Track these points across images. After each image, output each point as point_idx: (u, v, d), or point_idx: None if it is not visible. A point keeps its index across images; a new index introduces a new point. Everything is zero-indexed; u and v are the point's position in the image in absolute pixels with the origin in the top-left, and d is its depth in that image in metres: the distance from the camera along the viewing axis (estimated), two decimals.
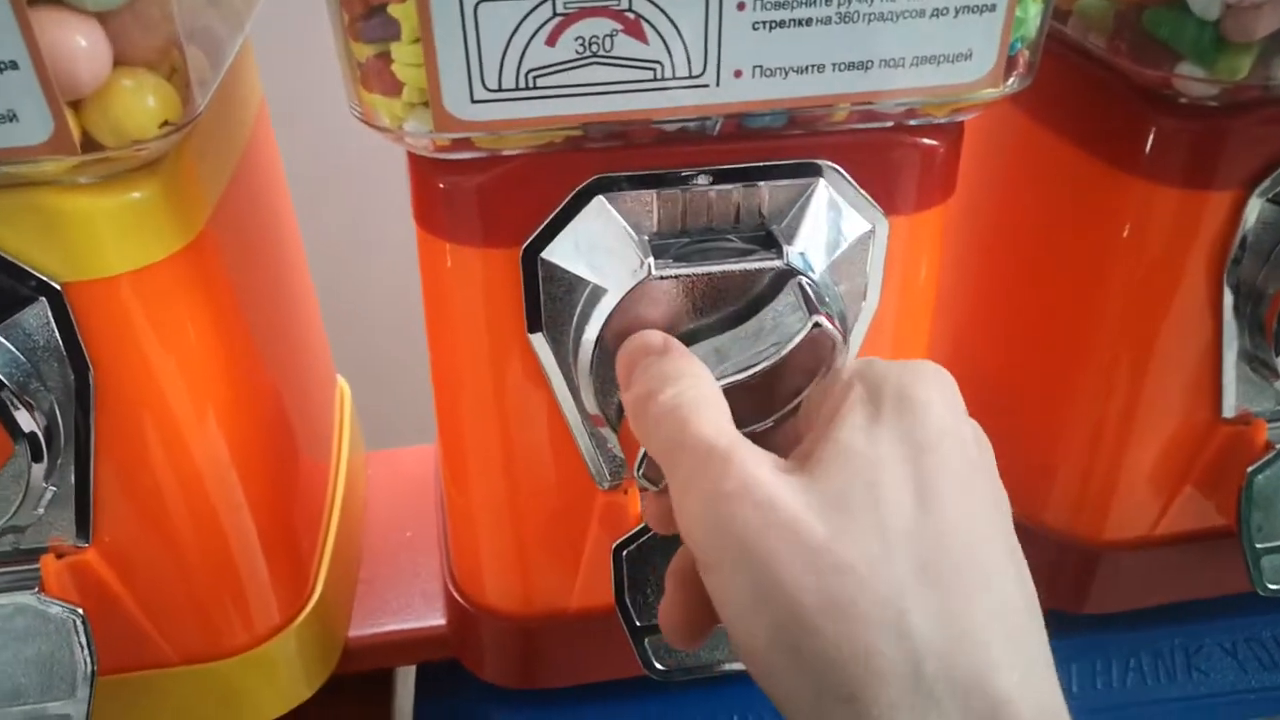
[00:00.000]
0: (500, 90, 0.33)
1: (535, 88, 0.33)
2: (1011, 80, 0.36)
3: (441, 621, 0.50)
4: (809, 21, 0.32)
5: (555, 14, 0.32)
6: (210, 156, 0.40)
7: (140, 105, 0.32)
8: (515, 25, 0.31)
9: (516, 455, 0.42)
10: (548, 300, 0.38)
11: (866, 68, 0.34)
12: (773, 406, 0.36)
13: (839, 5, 0.32)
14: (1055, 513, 0.53)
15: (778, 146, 0.37)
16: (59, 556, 0.39)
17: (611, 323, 0.37)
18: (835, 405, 0.29)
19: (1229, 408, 0.48)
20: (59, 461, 0.36)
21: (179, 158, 0.36)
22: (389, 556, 0.55)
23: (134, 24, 0.31)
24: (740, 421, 0.30)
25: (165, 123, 0.33)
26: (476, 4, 0.31)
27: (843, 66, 0.34)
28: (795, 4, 0.32)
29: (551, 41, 0.32)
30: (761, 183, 0.37)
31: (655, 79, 0.33)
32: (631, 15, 0.32)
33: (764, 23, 0.32)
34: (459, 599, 0.47)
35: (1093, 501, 0.52)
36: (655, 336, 0.34)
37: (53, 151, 0.31)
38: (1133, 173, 0.43)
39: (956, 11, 0.33)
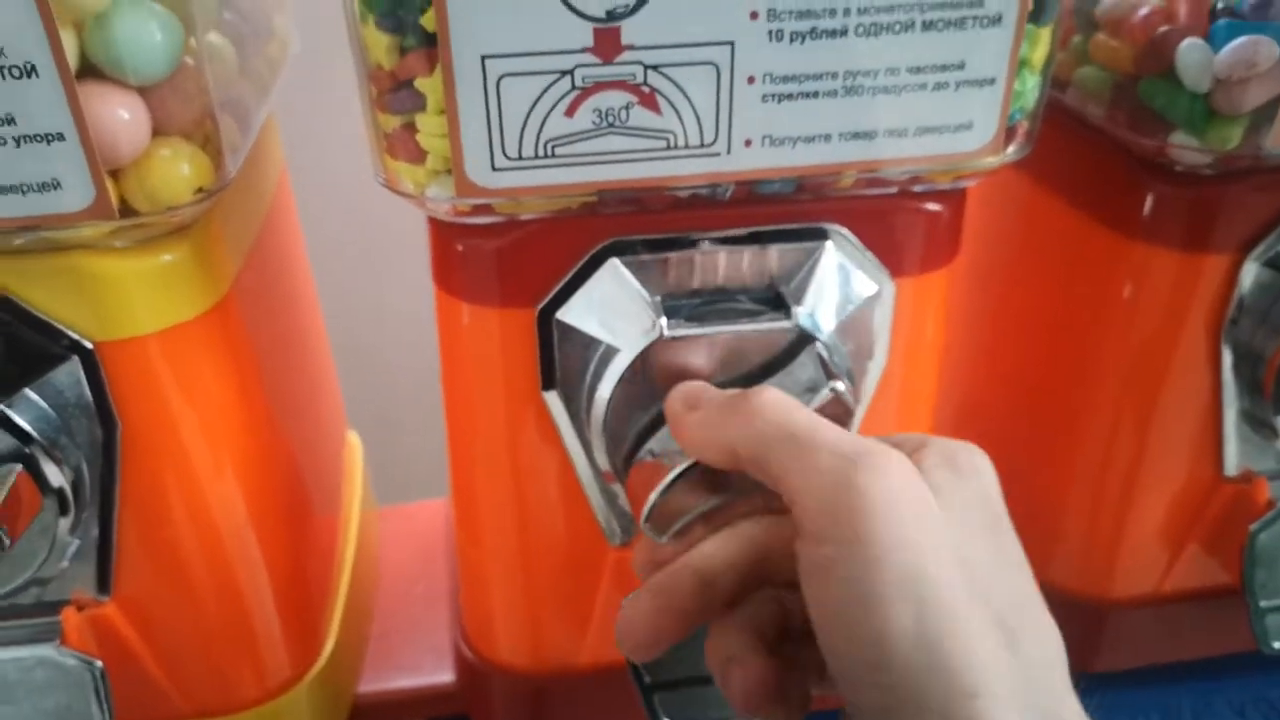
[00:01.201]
0: (520, 159, 0.34)
1: (554, 156, 0.34)
2: (1011, 149, 0.38)
3: (452, 678, 0.50)
4: (815, 94, 0.34)
5: (574, 87, 0.33)
6: (236, 221, 0.41)
7: (176, 173, 0.33)
8: (536, 98, 0.33)
9: (529, 511, 0.43)
10: (562, 359, 0.39)
11: (871, 137, 0.35)
12: None
13: (844, 79, 0.34)
14: (1062, 572, 0.53)
15: (787, 211, 0.38)
16: (79, 609, 0.39)
17: (624, 382, 0.38)
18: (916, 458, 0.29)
19: (1231, 466, 0.48)
20: (84, 516, 0.37)
21: (208, 222, 0.37)
22: (401, 612, 0.56)
23: (172, 96, 0.32)
24: (742, 488, 0.31)
25: (199, 189, 0.34)
26: (500, 78, 0.32)
27: (848, 136, 0.35)
28: (803, 78, 0.33)
29: (570, 113, 0.34)
30: (771, 245, 0.39)
31: (668, 148, 0.35)
32: (647, 89, 0.34)
33: (773, 95, 0.34)
34: (470, 655, 0.48)
35: (1099, 560, 0.52)
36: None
37: (93, 218, 0.32)
38: (1131, 237, 0.45)
39: (957, 85, 0.35)
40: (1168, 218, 0.44)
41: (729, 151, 0.35)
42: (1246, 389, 0.46)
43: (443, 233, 0.38)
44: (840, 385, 0.35)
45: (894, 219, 0.39)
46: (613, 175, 0.35)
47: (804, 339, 0.37)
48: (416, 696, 0.50)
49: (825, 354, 0.36)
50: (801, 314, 0.37)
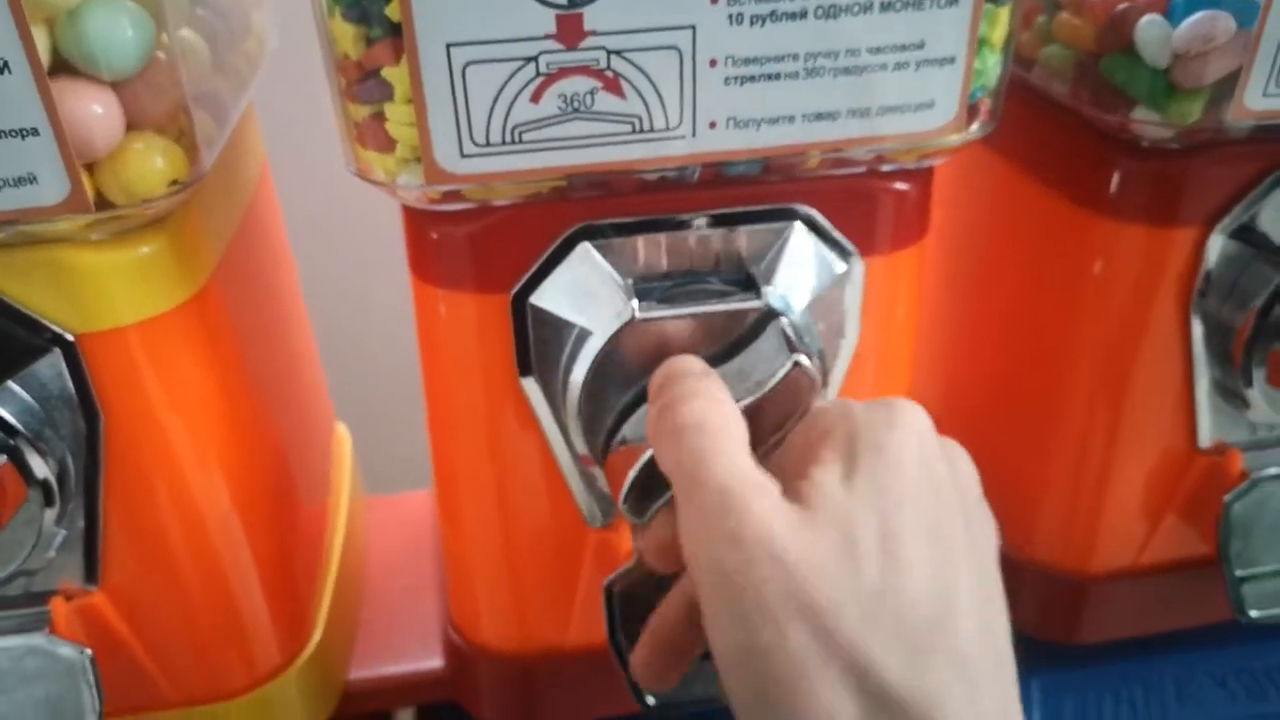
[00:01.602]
0: (488, 145, 0.34)
1: (521, 142, 0.35)
2: (974, 127, 0.38)
3: (441, 663, 0.51)
4: (778, 76, 0.34)
5: (539, 74, 0.34)
6: (215, 213, 0.41)
7: (150, 166, 0.34)
8: (501, 84, 0.33)
9: (510, 496, 0.43)
10: (537, 343, 0.40)
11: (834, 117, 0.36)
12: (754, 444, 0.37)
13: (806, 61, 0.34)
14: (1042, 545, 0.54)
15: (755, 192, 0.39)
16: (68, 599, 0.40)
17: (598, 365, 0.39)
18: (815, 451, 0.30)
19: (1204, 438, 0.49)
20: (69, 506, 0.38)
21: (185, 214, 0.38)
22: (389, 600, 0.56)
23: (145, 91, 0.33)
24: None
25: (174, 182, 0.34)
26: (465, 65, 0.33)
27: (811, 117, 0.36)
28: (765, 60, 0.34)
29: (535, 99, 0.34)
30: (740, 227, 0.39)
31: (634, 132, 0.35)
32: (610, 74, 0.34)
33: (735, 78, 0.34)
34: (457, 639, 0.48)
35: (1079, 533, 0.53)
36: (693, 361, 0.35)
37: (69, 211, 0.33)
38: (1100, 212, 0.45)
39: (917, 65, 0.35)
40: (1134, 193, 0.44)
41: (694, 134, 0.35)
42: (1217, 361, 0.47)
43: (416, 220, 0.39)
44: (803, 359, 0.35)
45: (861, 198, 0.40)
46: (580, 160, 0.35)
47: (769, 315, 0.37)
48: (406, 682, 0.51)
49: (790, 330, 0.37)
50: (771, 294, 0.38)
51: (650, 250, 0.39)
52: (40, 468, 0.36)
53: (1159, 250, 0.45)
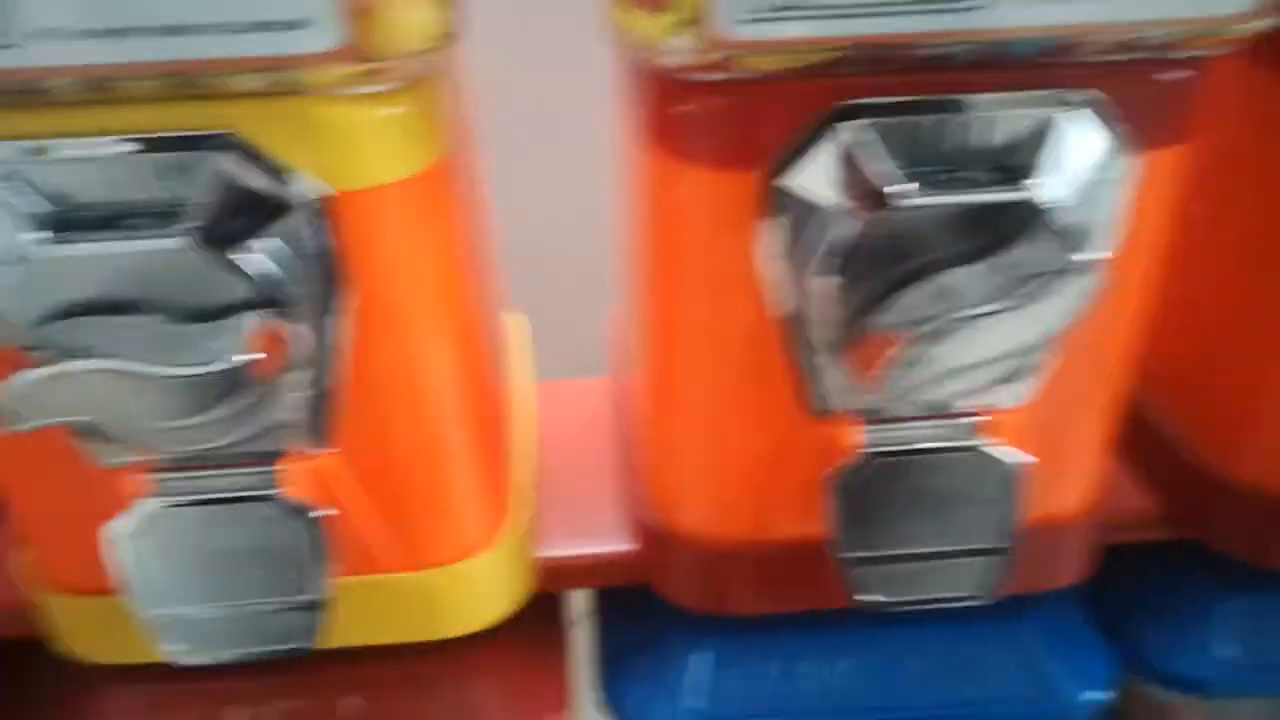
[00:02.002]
0: (772, 10, 0.32)
1: (808, 8, 0.32)
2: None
3: (629, 546, 0.51)
4: None
5: None
6: (445, 79, 0.40)
7: (422, 17, 0.32)
8: None
9: (730, 380, 0.42)
10: (784, 227, 0.38)
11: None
12: None
13: None
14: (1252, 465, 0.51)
15: (1033, 77, 0.36)
16: (298, 459, 0.40)
17: (849, 251, 0.37)
18: None
19: None
20: (313, 368, 0.38)
21: (433, 76, 0.37)
22: (565, 484, 0.56)
23: None
24: None
25: (442, 35, 0.33)
26: None
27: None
28: None
29: None
30: (1010, 111, 0.37)
31: (923, 1, 0.33)
32: None
33: None
34: (654, 523, 0.48)
35: None
36: None
37: (341, 61, 0.32)
38: None
39: None
40: None
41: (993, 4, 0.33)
42: None
43: (664, 90, 0.37)
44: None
45: (1142, 88, 0.37)
46: (865, 30, 0.33)
47: (1033, 210, 0.35)
48: (598, 563, 0.51)
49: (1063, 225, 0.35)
50: (1038, 186, 0.36)
51: (911, 134, 0.37)
52: (287, 326, 0.36)
53: None
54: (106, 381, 0.33)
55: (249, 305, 0.34)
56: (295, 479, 0.40)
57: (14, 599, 0.47)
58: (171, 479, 0.39)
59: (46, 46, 0.31)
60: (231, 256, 0.33)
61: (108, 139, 0.33)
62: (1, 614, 0.49)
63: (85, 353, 0.34)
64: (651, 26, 0.34)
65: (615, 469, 0.56)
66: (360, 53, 0.32)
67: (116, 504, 0.39)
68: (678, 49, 0.34)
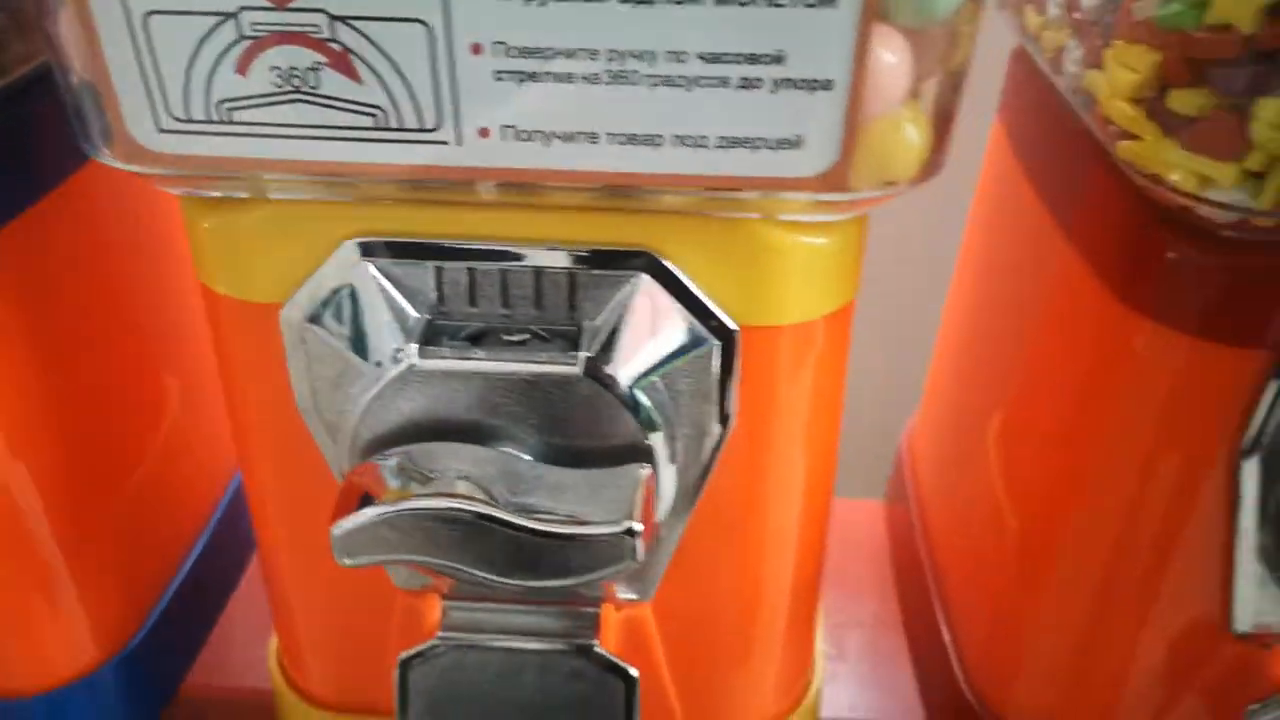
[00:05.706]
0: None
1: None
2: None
3: None
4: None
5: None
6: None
7: (913, 142, 0.27)
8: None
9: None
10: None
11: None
12: None
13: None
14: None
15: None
16: (617, 608, 0.35)
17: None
18: None
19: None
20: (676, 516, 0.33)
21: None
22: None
23: (942, 41, 0.25)
24: None
25: (924, 165, 0.27)
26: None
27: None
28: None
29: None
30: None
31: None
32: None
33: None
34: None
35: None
36: None
37: (824, 187, 0.26)
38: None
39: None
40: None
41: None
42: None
43: (1179, 244, 0.30)
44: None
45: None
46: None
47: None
48: None
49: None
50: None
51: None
52: (663, 473, 0.31)
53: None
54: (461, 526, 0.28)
55: (635, 452, 0.30)
56: (608, 630, 0.35)
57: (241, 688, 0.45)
58: (473, 611, 0.35)
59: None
60: (631, 390, 0.30)
61: (524, 244, 0.30)
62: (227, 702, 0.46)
63: (435, 480, 0.29)
64: (1214, 171, 0.28)
65: (896, 622, 0.51)
66: (848, 180, 0.26)
67: (408, 629, 0.35)
68: (1237, 202, 0.29)
